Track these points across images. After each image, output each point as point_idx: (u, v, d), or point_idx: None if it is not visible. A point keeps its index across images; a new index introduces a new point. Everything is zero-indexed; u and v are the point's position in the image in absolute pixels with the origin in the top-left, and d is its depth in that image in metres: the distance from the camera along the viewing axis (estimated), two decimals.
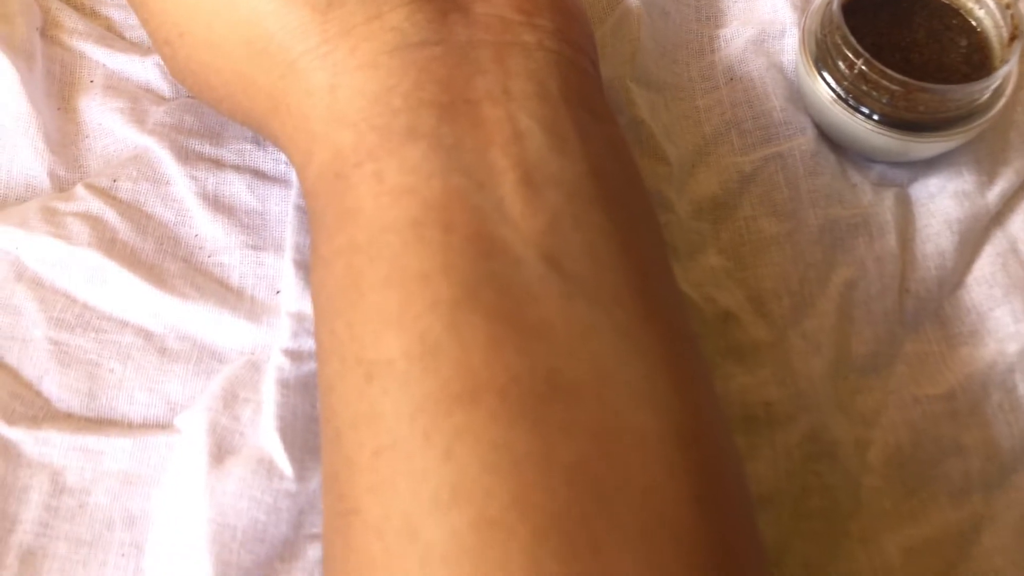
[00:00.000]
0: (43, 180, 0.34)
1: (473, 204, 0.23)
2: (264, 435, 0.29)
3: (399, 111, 0.25)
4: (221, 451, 0.29)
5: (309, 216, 0.27)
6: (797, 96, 0.37)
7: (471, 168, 0.24)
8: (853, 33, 0.34)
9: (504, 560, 0.20)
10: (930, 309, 0.34)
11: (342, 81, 0.26)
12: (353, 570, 0.22)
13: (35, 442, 0.30)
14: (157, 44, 0.31)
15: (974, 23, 0.35)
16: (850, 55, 0.33)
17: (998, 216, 0.35)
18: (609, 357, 0.22)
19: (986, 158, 0.36)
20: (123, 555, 0.29)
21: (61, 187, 0.34)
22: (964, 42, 0.35)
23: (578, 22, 0.28)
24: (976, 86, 0.33)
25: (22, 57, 0.35)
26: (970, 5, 0.35)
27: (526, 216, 0.23)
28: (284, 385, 0.30)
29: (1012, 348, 0.33)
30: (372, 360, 0.22)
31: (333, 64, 0.26)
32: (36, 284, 0.32)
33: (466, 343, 0.22)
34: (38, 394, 0.31)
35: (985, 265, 0.35)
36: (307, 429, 0.30)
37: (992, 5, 0.35)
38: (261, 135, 0.31)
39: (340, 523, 0.23)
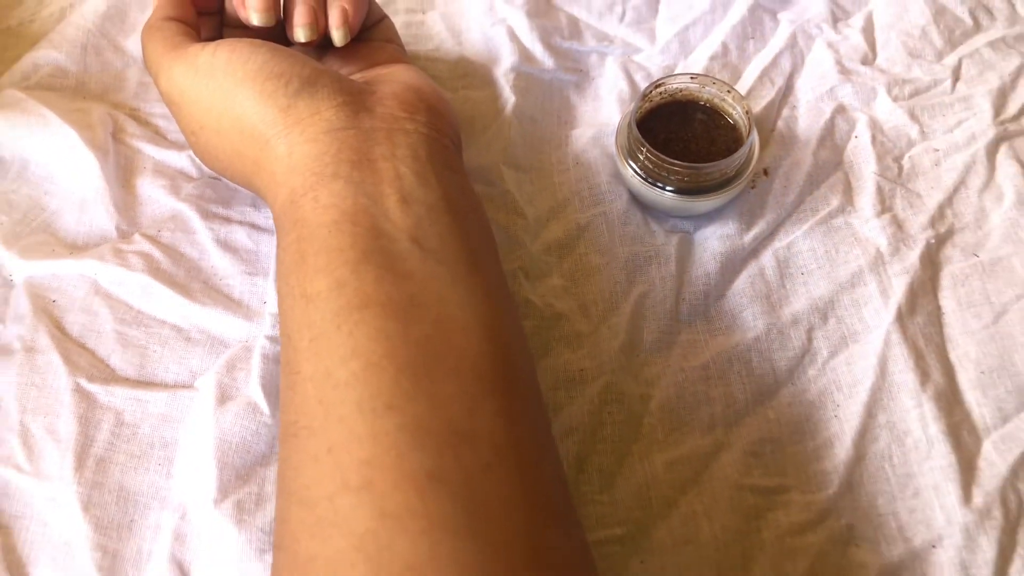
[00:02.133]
0: (112, 232, 0.50)
1: (371, 212, 0.37)
2: (252, 389, 0.45)
3: (328, 164, 0.39)
4: (224, 398, 0.44)
5: (276, 228, 0.41)
6: (617, 173, 0.53)
7: (370, 194, 0.38)
8: (650, 132, 0.50)
9: (379, 382, 0.33)
10: (699, 311, 0.49)
11: (295, 149, 0.40)
12: (298, 405, 0.35)
13: (106, 394, 0.45)
14: (185, 133, 0.46)
15: (732, 122, 0.52)
16: (642, 148, 0.50)
17: (753, 251, 0.51)
18: (446, 289, 0.36)
19: (748, 213, 0.52)
20: (160, 464, 0.44)
21: (124, 236, 0.50)
22: (727, 135, 0.52)
23: (443, 118, 0.44)
24: (723, 163, 0.49)
25: (100, 152, 0.52)
26: (729, 110, 0.52)
27: (401, 219, 0.38)
28: (265, 358, 0.46)
29: (750, 336, 0.48)
30: (309, 294, 0.36)
31: (290, 140, 0.41)
32: (107, 296, 0.48)
33: (362, 281, 0.35)
34: (108, 365, 0.46)
35: (740, 283, 0.50)
36: (278, 386, 0.46)
37: (740, 110, 0.51)
38: (250, 190, 0.46)
39: (290, 380, 0.36)
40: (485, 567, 0.29)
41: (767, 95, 0.57)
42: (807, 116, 0.56)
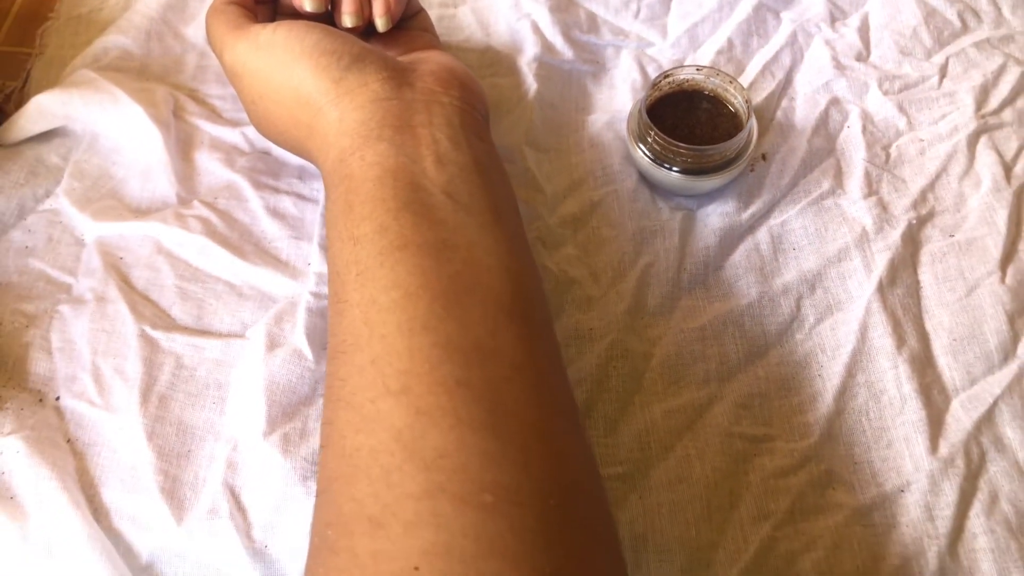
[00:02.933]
0: (173, 198, 0.56)
1: (410, 169, 0.42)
2: (297, 338, 0.50)
3: (373, 128, 0.44)
4: (273, 345, 0.50)
5: (325, 184, 0.45)
6: (628, 155, 0.59)
7: (409, 154, 0.43)
8: (658, 118, 0.56)
9: (416, 308, 0.37)
10: (699, 280, 0.54)
11: (345, 115, 0.45)
12: (346, 327, 0.39)
13: (167, 340, 0.50)
14: (245, 103, 0.51)
15: (733, 110, 0.57)
16: (651, 132, 0.55)
17: (750, 228, 0.56)
18: (475, 235, 0.41)
19: (745, 193, 0.57)
20: (214, 403, 0.49)
21: (183, 202, 0.56)
22: (729, 122, 0.57)
23: (474, 93, 0.49)
24: (723, 146, 0.54)
25: (163, 127, 0.57)
26: (731, 100, 0.57)
27: (436, 176, 0.42)
28: (309, 312, 0.51)
29: (744, 302, 0.53)
30: (356, 236, 0.40)
31: (341, 107, 0.45)
32: (169, 255, 0.54)
33: (403, 225, 0.40)
34: (169, 315, 0.52)
35: (737, 256, 0.55)
36: (322, 337, 0.51)
37: (740, 99, 0.56)
38: (301, 155, 0.50)
39: (338, 307, 0.40)
40: (505, 455, 0.34)
41: (768, 87, 0.62)
42: (804, 107, 0.61)
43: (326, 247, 0.49)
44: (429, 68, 0.49)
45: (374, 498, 0.34)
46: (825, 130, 0.60)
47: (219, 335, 0.51)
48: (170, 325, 0.51)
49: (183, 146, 0.58)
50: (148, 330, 0.51)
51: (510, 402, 0.36)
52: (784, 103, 0.61)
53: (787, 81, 0.62)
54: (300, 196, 0.56)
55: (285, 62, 0.47)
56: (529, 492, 0.34)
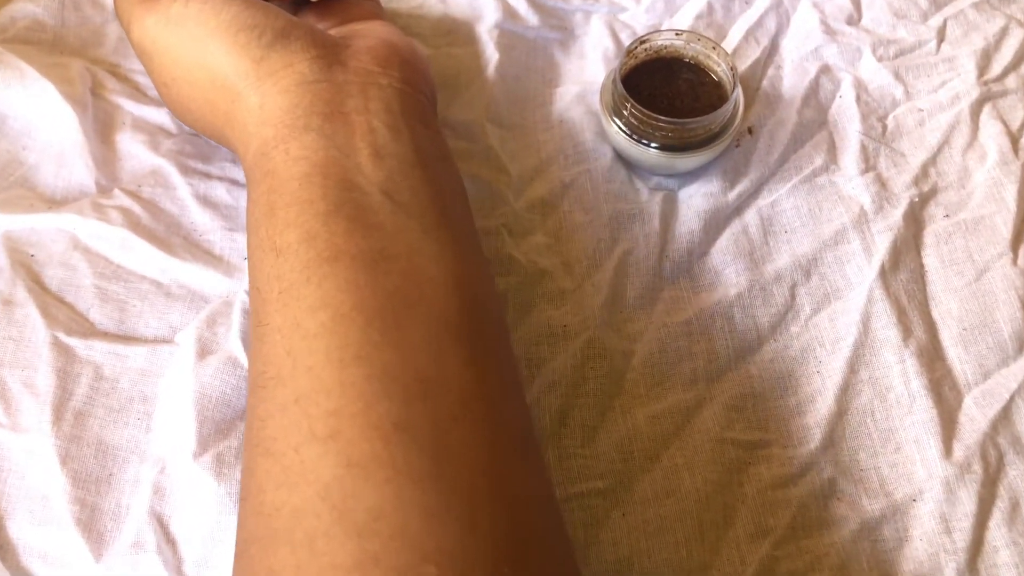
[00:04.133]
0: (91, 186, 0.50)
1: (342, 165, 0.37)
2: (232, 343, 0.45)
3: (299, 117, 0.39)
4: (204, 352, 0.44)
5: (247, 180, 0.40)
6: (602, 131, 0.53)
7: (341, 147, 0.38)
8: (635, 88, 0.50)
9: (347, 333, 0.32)
10: (683, 268, 0.49)
11: (267, 101, 0.40)
12: (266, 355, 0.34)
13: (85, 348, 0.44)
14: (157, 86, 0.45)
15: (717, 79, 0.52)
16: (627, 104, 0.50)
17: (737, 209, 0.51)
18: (416, 241, 0.36)
19: (731, 171, 0.52)
20: (139, 419, 0.44)
21: (103, 191, 0.50)
22: (712, 92, 0.52)
23: (418, 71, 0.44)
24: (707, 119, 0.49)
25: (79, 106, 0.51)
26: (714, 67, 0.52)
27: (373, 172, 0.37)
28: (246, 313, 0.45)
29: (733, 292, 0.48)
30: (279, 246, 0.35)
31: (262, 92, 0.40)
32: (86, 251, 0.48)
33: (332, 232, 0.35)
34: (87, 319, 0.46)
35: (723, 241, 0.50)
36: None
37: (725, 67, 0.51)
38: (222, 144, 0.45)
39: (259, 331, 0.35)
40: (449, 511, 0.29)
41: (752, 54, 0.57)
42: (792, 75, 0.56)
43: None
44: (366, 44, 0.43)
45: (295, 570, 0.29)
46: (816, 100, 0.55)
47: (144, 341, 0.46)
48: (88, 331, 0.46)
49: (102, 127, 0.52)
50: (62, 337, 0.45)
51: (456, 445, 0.31)
52: (770, 72, 0.56)
53: (773, 48, 0.57)
54: (234, 182, 0.51)
55: (198, 38, 0.42)
56: (477, 557, 0.29)
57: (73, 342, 0.45)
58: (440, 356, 0.33)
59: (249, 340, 0.38)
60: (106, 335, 0.46)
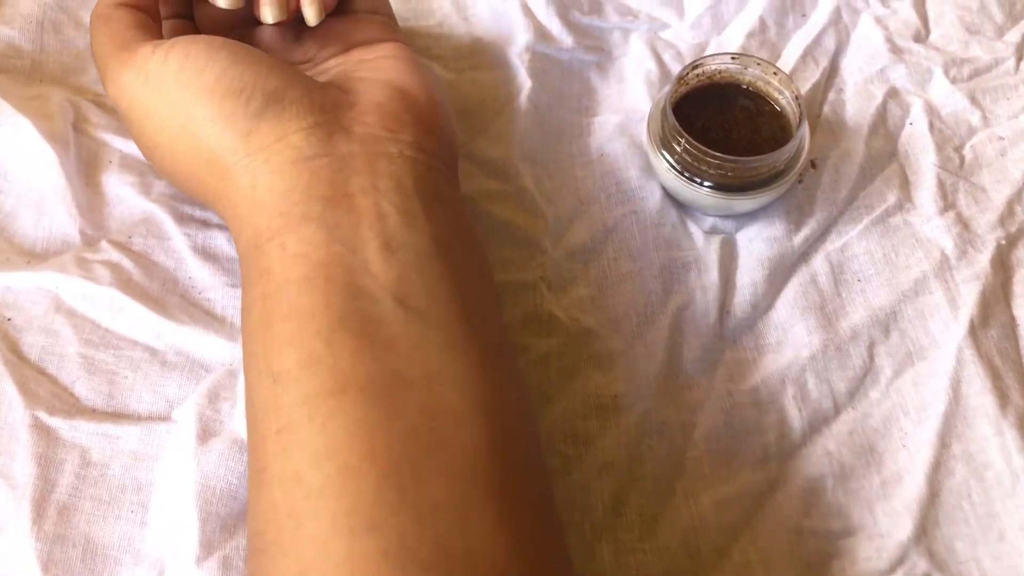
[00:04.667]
0: (75, 237, 0.44)
1: (347, 264, 0.32)
2: (238, 422, 0.39)
3: (297, 203, 0.33)
4: (206, 434, 0.39)
5: (241, 274, 0.36)
6: (649, 167, 0.47)
7: (346, 240, 0.33)
8: (686, 118, 0.44)
9: (358, 492, 0.28)
10: (745, 326, 0.44)
11: (259, 182, 0.35)
12: (262, 509, 0.30)
13: (69, 429, 0.39)
14: (140, 149, 0.41)
15: (779, 108, 0.46)
16: (680, 138, 0.44)
17: (803, 255, 0.46)
18: (436, 361, 0.31)
19: (794, 211, 0.46)
20: (132, 511, 0.38)
21: (89, 242, 0.44)
22: (772, 123, 0.46)
23: (433, 134, 0.38)
24: (771, 157, 0.43)
25: (60, 145, 0.45)
26: (775, 95, 0.46)
27: (384, 271, 0.32)
28: None
29: (805, 353, 0.43)
30: (276, 370, 0.31)
31: (253, 171, 0.35)
32: (71, 314, 0.42)
33: (337, 355, 0.30)
34: (71, 394, 0.40)
35: (790, 292, 0.45)
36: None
37: (789, 96, 0.45)
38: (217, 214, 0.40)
39: (256, 478, 0.31)
40: None
41: (810, 77, 0.51)
42: (856, 100, 0.50)
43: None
44: (374, 99, 0.38)
45: None
46: (884, 128, 0.49)
47: (137, 418, 0.40)
48: (73, 408, 0.40)
49: (86, 168, 0.46)
50: (43, 417, 0.39)
51: None
52: (831, 96, 0.51)
53: (833, 69, 0.52)
54: None
55: (180, 104, 0.36)
56: None
57: (56, 422, 0.39)
58: (466, 517, 0.29)
59: (248, 485, 0.33)
60: (94, 412, 0.40)
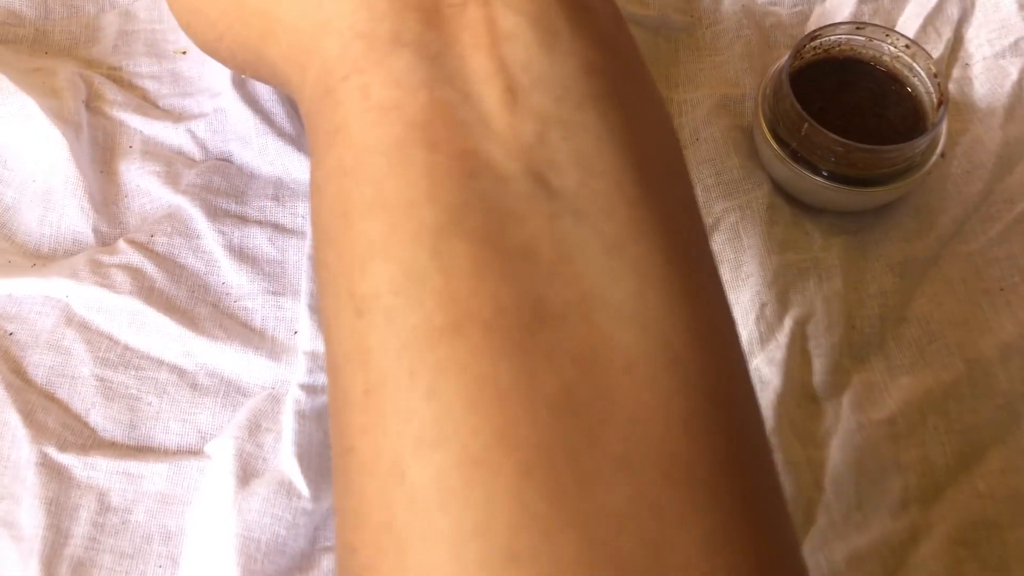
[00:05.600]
0: (88, 236, 0.38)
1: (459, 119, 0.22)
2: (284, 460, 0.33)
3: (383, 16, 0.23)
4: (246, 474, 0.33)
5: (308, 140, 0.25)
6: (755, 154, 0.41)
7: (457, 77, 0.22)
8: (802, 98, 0.38)
9: (488, 500, 0.19)
10: (875, 343, 0.38)
11: None
12: (352, 507, 0.22)
13: (83, 467, 0.33)
14: None
15: (910, 89, 0.40)
16: (798, 120, 0.37)
17: (935, 259, 0.39)
18: (597, 277, 0.21)
19: (924, 207, 0.40)
20: (160, 566, 0.33)
21: (104, 242, 0.38)
22: (902, 106, 0.39)
23: None
24: (908, 146, 0.36)
25: (70, 127, 0.39)
26: (906, 73, 0.40)
27: (513, 126, 0.22)
28: (301, 416, 0.34)
29: (947, 377, 0.36)
30: (361, 294, 0.21)
31: None
32: (84, 328, 0.36)
33: (450, 273, 0.21)
34: (86, 425, 0.35)
35: (923, 303, 0.38)
36: (321, 454, 0.34)
37: (924, 74, 0.39)
38: (261, 77, 0.31)
39: (340, 461, 0.22)
40: None
41: (933, 50, 0.44)
42: (986, 78, 0.44)
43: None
44: None
45: None
46: (1021, 111, 0.43)
47: (164, 453, 0.35)
48: (88, 442, 0.35)
49: (102, 154, 0.40)
50: (53, 453, 0.34)
51: None
52: (956, 73, 0.44)
53: (957, 41, 0.45)
54: (279, 227, 0.39)
55: None
56: None
57: (68, 459, 0.34)
58: (661, 543, 0.19)
59: (331, 465, 0.23)
60: (113, 446, 0.35)
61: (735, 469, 0.21)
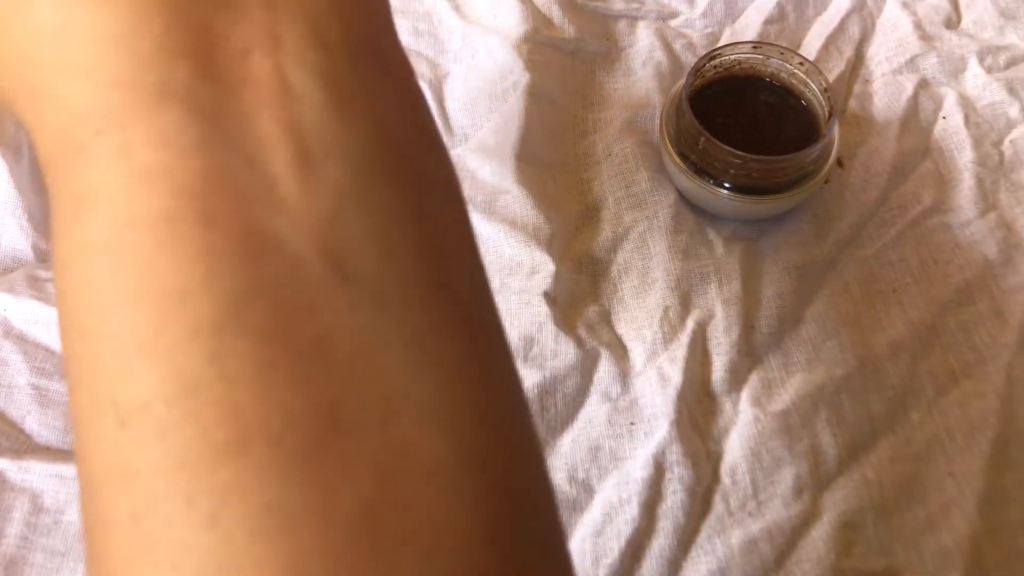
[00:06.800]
0: (27, 253, 0.40)
1: (240, 189, 0.18)
2: None
3: (150, 61, 0.19)
4: None
5: (50, 199, 0.20)
6: (662, 167, 0.43)
7: (237, 140, 0.19)
8: (704, 114, 0.40)
9: None
10: (772, 342, 0.40)
11: (73, 18, 0.19)
12: None
13: (18, 470, 0.35)
14: None
15: (805, 103, 0.42)
16: (696, 134, 0.40)
17: (832, 263, 0.42)
18: (397, 374, 0.19)
19: (823, 215, 0.42)
20: None
21: (43, 258, 0.40)
22: (798, 119, 0.42)
23: None
24: (800, 156, 0.39)
25: (10, 151, 0.41)
26: (801, 88, 0.42)
27: (305, 200, 0.19)
28: None
29: (839, 372, 0.39)
30: (125, 401, 0.18)
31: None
32: (21, 340, 0.38)
33: (231, 379, 0.17)
34: (21, 431, 0.36)
35: (819, 304, 0.41)
36: None
37: (816, 89, 0.41)
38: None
39: None
40: None
41: (834, 68, 0.47)
42: (884, 93, 0.46)
43: None
44: None
45: None
46: (915, 123, 0.45)
47: None
48: (23, 446, 0.36)
49: (41, 175, 0.41)
50: None
51: None
52: (857, 88, 0.47)
53: (858, 58, 0.48)
54: None
55: None
56: None
57: (3, 463, 0.36)
58: None
59: None
60: (47, 451, 0.36)
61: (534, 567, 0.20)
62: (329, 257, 0.18)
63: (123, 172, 0.18)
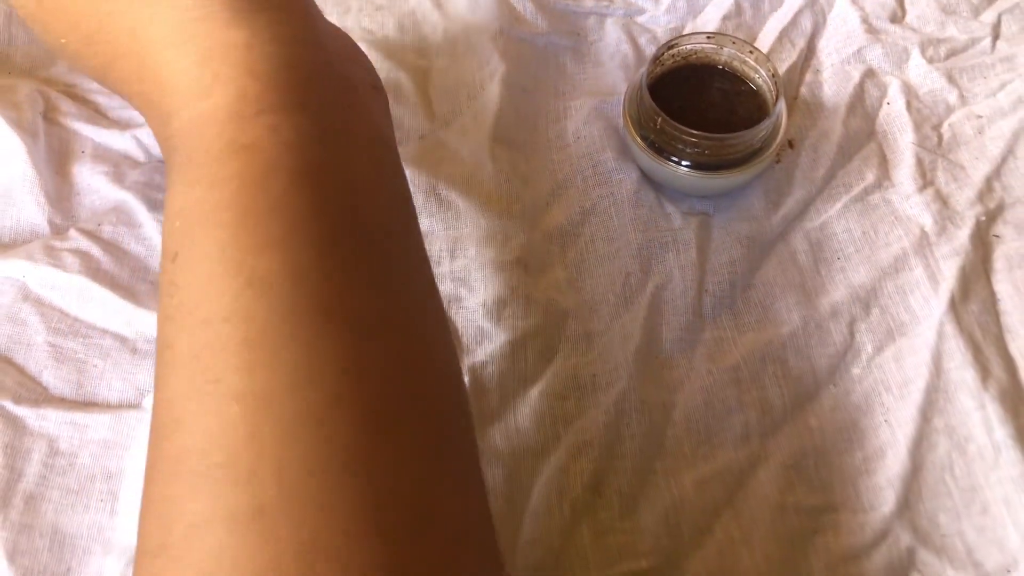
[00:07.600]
0: (44, 226, 0.43)
1: (327, 163, 0.27)
2: None
3: (293, 72, 0.27)
4: None
5: (166, 162, 0.28)
6: (626, 148, 0.47)
7: (343, 142, 0.28)
8: (663, 100, 0.44)
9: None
10: (725, 304, 0.43)
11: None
12: None
13: (36, 418, 0.38)
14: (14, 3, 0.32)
15: (755, 88, 0.46)
16: (653, 115, 0.43)
17: (782, 234, 0.45)
18: (416, 294, 0.28)
19: (773, 190, 0.46)
20: (102, 500, 0.38)
21: (58, 231, 0.43)
22: (749, 102, 0.46)
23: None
24: (749, 133, 0.42)
25: (28, 135, 0.44)
26: (752, 75, 0.46)
27: (375, 186, 0.28)
28: None
29: (785, 331, 0.42)
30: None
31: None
32: (38, 303, 0.41)
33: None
34: (39, 384, 0.40)
35: (769, 271, 0.44)
36: None
37: (766, 75, 0.45)
38: (106, 80, 0.32)
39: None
40: None
41: (787, 59, 0.51)
42: (833, 81, 0.50)
43: None
44: None
45: None
46: (862, 108, 0.49)
47: (107, 407, 0.40)
48: (40, 397, 0.39)
49: (57, 158, 0.45)
50: (9, 406, 0.39)
51: None
52: (809, 77, 0.50)
53: (810, 50, 0.51)
54: None
55: None
56: None
57: (22, 411, 0.39)
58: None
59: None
60: (62, 401, 0.39)
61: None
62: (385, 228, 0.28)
63: (273, 141, 0.25)
